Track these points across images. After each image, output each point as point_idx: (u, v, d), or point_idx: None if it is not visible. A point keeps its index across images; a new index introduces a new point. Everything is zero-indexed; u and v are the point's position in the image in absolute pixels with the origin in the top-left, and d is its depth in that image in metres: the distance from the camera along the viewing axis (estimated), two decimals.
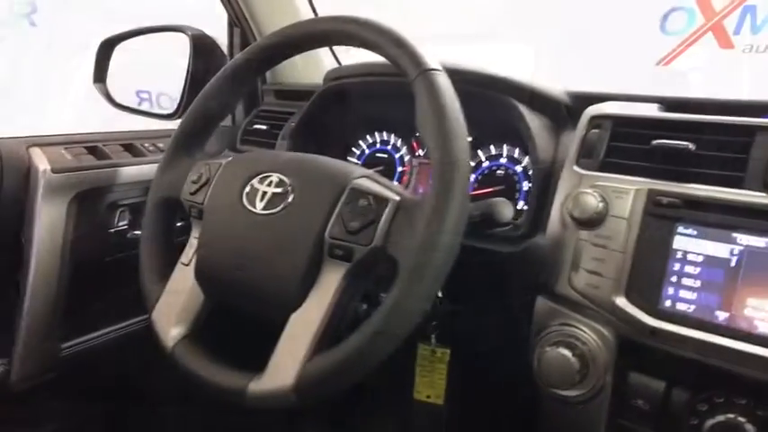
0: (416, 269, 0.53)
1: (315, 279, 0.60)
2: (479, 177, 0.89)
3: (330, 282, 0.59)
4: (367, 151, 1.01)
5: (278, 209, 0.62)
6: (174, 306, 0.68)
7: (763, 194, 0.55)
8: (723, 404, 0.56)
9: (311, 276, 0.59)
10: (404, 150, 0.99)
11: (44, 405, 0.95)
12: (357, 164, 1.01)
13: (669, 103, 0.74)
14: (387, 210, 0.58)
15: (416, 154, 0.99)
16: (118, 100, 1.09)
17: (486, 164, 0.89)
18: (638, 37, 2.87)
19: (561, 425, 0.69)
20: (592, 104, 0.74)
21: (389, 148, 1.00)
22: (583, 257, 0.63)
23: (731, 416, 0.54)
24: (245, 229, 0.64)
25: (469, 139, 0.90)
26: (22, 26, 3.24)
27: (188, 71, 1.04)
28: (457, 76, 0.86)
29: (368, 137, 1.01)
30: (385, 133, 1.00)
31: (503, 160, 0.87)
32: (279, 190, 0.63)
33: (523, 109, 0.78)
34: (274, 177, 0.64)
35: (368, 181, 0.62)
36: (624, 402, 0.64)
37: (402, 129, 0.98)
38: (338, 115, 0.98)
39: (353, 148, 1.03)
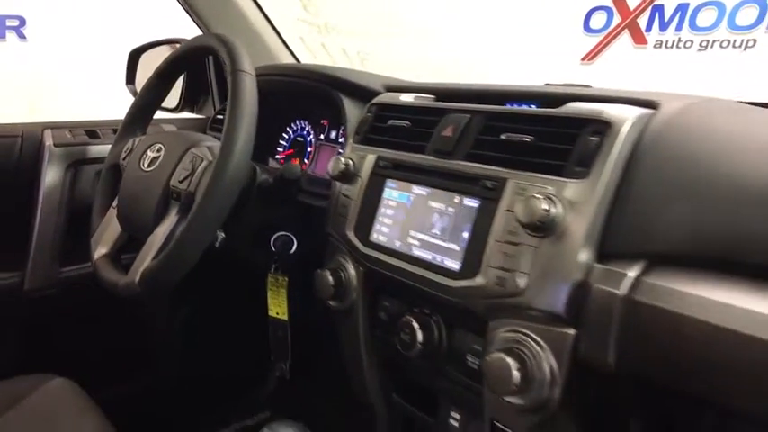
0: (202, 202, 0.68)
1: (165, 213, 0.76)
2: None
3: (171, 215, 0.76)
4: (292, 136, 1.13)
5: (152, 167, 0.79)
6: (103, 235, 0.86)
7: (432, 158, 0.66)
8: (415, 313, 0.67)
9: (163, 211, 0.76)
10: (312, 135, 1.10)
11: (53, 313, 1.15)
12: (283, 148, 1.14)
13: (439, 92, 0.79)
14: (201, 165, 0.74)
15: (319, 137, 1.11)
16: None
17: None
18: (564, 36, 2.90)
19: (340, 330, 0.82)
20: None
21: (304, 133, 1.12)
22: (338, 206, 0.75)
23: (408, 317, 0.66)
24: (135, 181, 0.81)
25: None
26: (11, 39, 3.05)
27: (185, 74, 1.19)
28: (281, 70, 0.99)
29: (292, 124, 1.13)
30: (302, 122, 1.11)
31: None
32: (157, 154, 0.80)
33: (344, 98, 0.90)
34: (157, 146, 0.82)
35: (205, 149, 0.78)
36: (374, 317, 0.75)
37: (311, 117, 1.09)
38: (265, 107, 1.09)
39: (284, 134, 1.15)
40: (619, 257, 0.50)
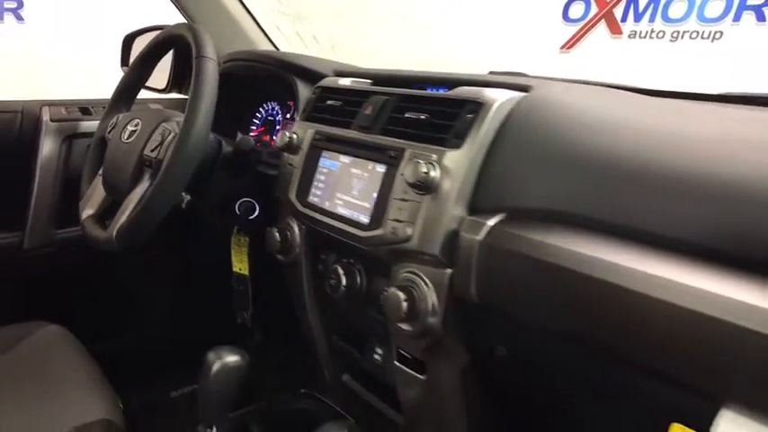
0: (166, 167, 0.79)
1: (140, 178, 0.87)
2: None
3: (144, 180, 0.87)
4: (264, 115, 1.24)
5: (131, 139, 0.91)
6: (91, 198, 0.97)
7: (356, 132, 0.77)
8: (342, 263, 0.80)
9: (138, 176, 0.88)
10: (280, 114, 1.20)
11: (49, 270, 1.29)
12: (256, 126, 1.24)
13: (376, 77, 0.89)
14: (169, 137, 0.85)
15: (286, 117, 1.22)
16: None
17: None
18: (544, 25, 2.97)
19: (289, 279, 0.94)
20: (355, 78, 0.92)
21: (274, 113, 1.24)
22: (284, 173, 0.87)
23: (336, 266, 0.78)
24: (116, 151, 0.93)
25: None
26: (9, 21, 3.10)
27: (174, 58, 1.27)
28: (251, 56, 1.10)
29: (265, 105, 1.24)
30: (272, 103, 1.22)
31: None
32: (135, 128, 0.92)
33: (298, 81, 1.01)
34: (135, 120, 0.93)
35: (174, 123, 0.89)
36: (315, 268, 0.88)
37: (280, 99, 1.19)
38: (239, 89, 1.19)
39: (257, 113, 1.26)
40: (485, 211, 0.61)
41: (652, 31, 2.73)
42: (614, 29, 2.85)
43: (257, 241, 1.06)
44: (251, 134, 1.26)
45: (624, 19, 2.81)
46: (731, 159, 0.49)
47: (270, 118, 1.25)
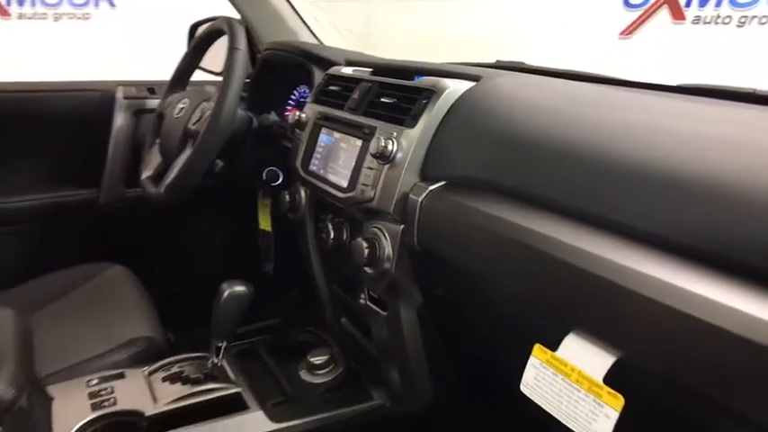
0: (203, 136, 1.02)
1: (185, 146, 1.11)
2: None
3: (188, 148, 1.12)
4: (296, 97, 1.45)
5: (180, 114, 1.15)
6: (149, 163, 1.24)
7: (347, 113, 0.95)
8: (333, 221, 1.00)
9: (183, 145, 1.12)
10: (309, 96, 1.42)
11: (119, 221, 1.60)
12: (291, 107, 1.44)
13: (377, 66, 1.06)
14: (207, 113, 1.08)
15: None
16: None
17: None
18: (604, 10, 2.97)
19: (298, 235, 1.15)
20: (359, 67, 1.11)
21: (306, 95, 1.45)
22: (295, 146, 1.08)
23: (329, 222, 0.98)
24: (169, 125, 1.18)
25: None
26: (103, 7, 3.50)
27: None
28: (283, 47, 1.31)
29: (298, 88, 1.46)
30: (304, 87, 1.41)
31: None
32: (183, 105, 1.16)
33: (315, 69, 1.21)
34: (185, 99, 1.17)
35: (213, 102, 1.12)
36: (317, 226, 1.08)
37: (309, 83, 1.38)
38: (278, 74, 1.41)
39: (291, 95, 1.49)
40: (433, 179, 0.78)
41: (718, 17, 2.67)
42: (677, 14, 2.81)
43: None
44: (285, 113, 1.48)
45: (688, 4, 2.76)
46: (643, 146, 0.57)
47: (302, 100, 1.46)
